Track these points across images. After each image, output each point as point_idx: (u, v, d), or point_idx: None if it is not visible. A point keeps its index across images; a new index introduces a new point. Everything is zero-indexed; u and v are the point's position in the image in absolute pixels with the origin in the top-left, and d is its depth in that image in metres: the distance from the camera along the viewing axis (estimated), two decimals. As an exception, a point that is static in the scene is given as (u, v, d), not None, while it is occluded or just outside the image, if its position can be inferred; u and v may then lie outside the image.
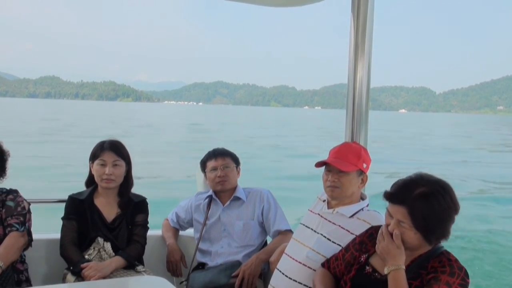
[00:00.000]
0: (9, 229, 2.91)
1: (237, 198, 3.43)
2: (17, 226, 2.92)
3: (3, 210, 2.97)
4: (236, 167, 3.49)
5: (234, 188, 3.47)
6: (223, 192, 3.44)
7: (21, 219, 2.96)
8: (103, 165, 3.15)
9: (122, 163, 3.19)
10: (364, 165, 2.72)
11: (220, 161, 3.42)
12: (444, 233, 2.12)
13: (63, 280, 3.07)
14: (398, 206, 2.11)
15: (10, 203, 2.99)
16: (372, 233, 2.39)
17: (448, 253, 2.16)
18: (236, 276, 3.14)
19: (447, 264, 2.09)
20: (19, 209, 2.98)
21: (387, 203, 2.19)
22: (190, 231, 3.65)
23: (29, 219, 3.03)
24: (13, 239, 2.88)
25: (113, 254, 3.11)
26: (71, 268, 3.03)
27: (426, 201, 2.06)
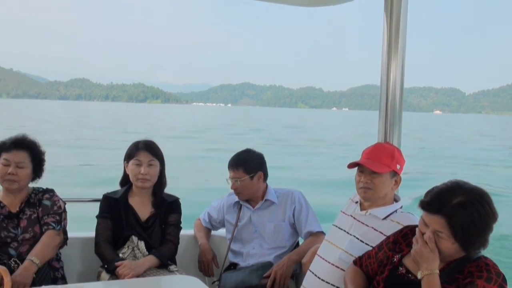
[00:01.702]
0: (45, 227, 2.97)
1: (268, 201, 3.41)
2: (53, 224, 2.98)
3: (40, 209, 3.03)
4: (252, 176, 3.33)
5: (264, 190, 3.43)
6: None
7: (57, 218, 3.02)
8: (139, 164, 3.19)
9: (156, 163, 3.23)
10: (398, 166, 2.68)
11: (232, 173, 3.34)
12: (482, 243, 2.06)
13: (98, 278, 3.12)
14: (435, 215, 2.05)
15: (47, 202, 3.05)
16: (406, 232, 2.35)
17: (486, 258, 2.11)
18: (268, 276, 3.14)
19: (484, 269, 2.04)
20: (55, 208, 3.04)
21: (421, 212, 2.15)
22: (222, 231, 3.66)
23: (65, 218, 3.08)
24: (50, 237, 2.93)
25: (147, 253, 3.14)
26: (106, 266, 3.08)
27: (465, 211, 2.00)
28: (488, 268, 2.04)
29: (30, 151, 3.03)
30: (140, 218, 3.23)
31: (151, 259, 3.08)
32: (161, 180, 3.29)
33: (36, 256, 2.80)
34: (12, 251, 2.91)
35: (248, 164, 3.34)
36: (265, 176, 3.41)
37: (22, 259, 2.82)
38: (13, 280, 2.52)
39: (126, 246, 3.17)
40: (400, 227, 2.51)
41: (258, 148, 3.49)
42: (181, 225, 3.35)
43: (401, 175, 2.71)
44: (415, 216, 2.57)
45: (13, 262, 2.83)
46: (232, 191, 3.60)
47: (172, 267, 3.15)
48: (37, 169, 3.08)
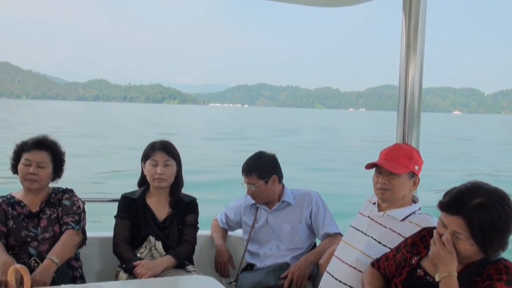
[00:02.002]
0: (65, 227, 3.00)
1: (285, 202, 3.39)
2: (72, 224, 3.01)
3: (60, 209, 3.06)
4: (267, 180, 3.30)
5: (281, 192, 3.42)
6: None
7: (77, 218, 3.05)
8: (155, 165, 3.20)
9: (173, 163, 3.24)
10: (416, 167, 2.66)
11: (246, 179, 3.32)
12: (502, 245, 2.04)
13: (116, 277, 3.15)
14: (454, 216, 2.03)
15: (66, 202, 3.08)
16: (424, 234, 2.33)
17: (505, 260, 2.08)
18: (285, 277, 3.13)
19: (504, 271, 2.02)
20: (74, 208, 3.08)
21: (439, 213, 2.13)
22: (239, 232, 3.66)
23: (84, 218, 3.11)
24: (69, 237, 2.96)
25: (164, 253, 3.16)
26: (124, 265, 3.10)
27: (484, 212, 1.98)
28: (508, 271, 2.02)
29: (51, 151, 3.07)
30: (157, 218, 3.24)
31: (169, 259, 3.10)
32: (178, 180, 3.30)
33: (55, 255, 2.83)
34: (32, 250, 2.94)
35: (262, 168, 3.31)
36: (280, 178, 3.38)
37: (42, 258, 2.86)
38: (33, 279, 2.54)
39: (143, 246, 3.19)
40: (418, 228, 2.49)
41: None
42: (198, 225, 3.36)
43: (419, 176, 2.69)
44: (434, 218, 2.55)
45: (33, 261, 2.87)
46: None
47: (189, 267, 3.16)
48: (57, 169, 3.11)
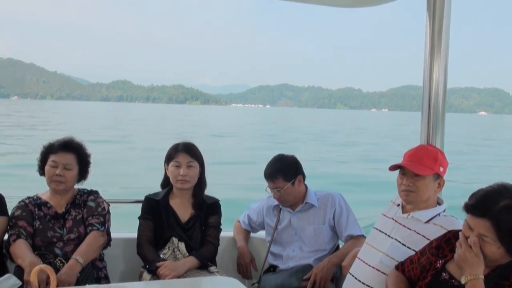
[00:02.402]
0: (90, 228, 3.04)
1: (308, 204, 3.38)
2: (97, 225, 3.05)
3: (85, 210, 3.11)
4: (293, 182, 3.28)
5: (304, 193, 3.40)
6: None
7: (101, 219, 3.09)
8: (178, 166, 3.22)
9: (196, 164, 3.26)
10: (441, 169, 2.63)
11: (271, 184, 3.29)
12: None
13: (140, 278, 3.17)
14: (481, 219, 2.00)
15: (91, 204, 3.12)
16: (449, 237, 2.29)
17: None
18: (308, 279, 3.13)
19: None
20: (99, 209, 3.12)
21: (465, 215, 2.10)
22: (261, 233, 3.66)
23: (109, 220, 3.15)
24: (94, 238, 3.00)
25: (187, 254, 3.18)
26: (147, 266, 3.12)
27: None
28: None
29: (77, 153, 3.12)
30: (180, 219, 3.26)
31: (192, 260, 3.11)
32: (201, 182, 3.31)
33: (80, 256, 2.87)
34: (57, 251, 2.99)
35: (286, 171, 3.27)
36: (304, 178, 3.37)
37: (67, 259, 2.90)
38: (58, 279, 2.58)
39: (166, 247, 3.21)
40: (443, 230, 2.46)
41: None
42: (221, 226, 3.37)
43: (444, 177, 2.66)
44: (459, 220, 2.52)
45: (59, 261, 2.91)
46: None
47: (212, 268, 3.17)
48: (83, 171, 3.16)
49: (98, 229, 3.04)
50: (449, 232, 2.35)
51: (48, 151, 3.10)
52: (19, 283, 2.35)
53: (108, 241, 3.12)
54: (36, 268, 2.33)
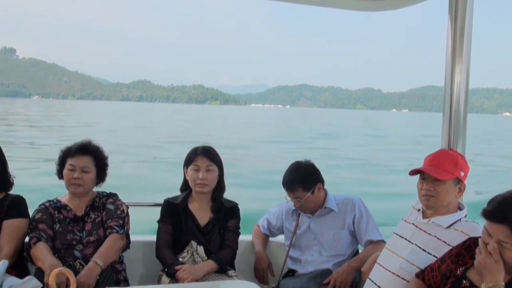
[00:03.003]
0: (109, 231, 3.06)
1: (327, 208, 3.36)
2: (117, 228, 3.07)
3: (104, 213, 3.13)
4: (313, 191, 3.25)
5: (324, 198, 3.37)
6: None
7: (121, 222, 3.11)
8: (197, 170, 3.23)
9: (214, 168, 3.26)
10: (462, 174, 2.59)
11: (291, 194, 3.27)
12: None
13: (158, 281, 3.18)
14: (499, 225, 1.97)
15: (111, 206, 3.15)
16: (470, 245, 2.26)
17: None
18: (327, 284, 3.11)
19: None
20: (118, 212, 3.14)
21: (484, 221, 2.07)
22: (280, 237, 3.64)
23: (128, 222, 3.17)
24: (113, 240, 3.02)
25: (206, 257, 3.18)
26: (166, 269, 3.14)
27: None
28: None
29: (94, 156, 3.14)
30: (199, 223, 3.27)
31: (210, 264, 3.11)
32: (220, 185, 3.32)
33: (100, 259, 2.88)
34: (77, 253, 3.01)
35: (305, 180, 3.25)
36: (323, 184, 3.34)
37: (86, 261, 2.92)
38: (78, 281, 2.60)
39: (185, 250, 3.22)
40: (464, 236, 2.44)
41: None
42: (240, 230, 3.36)
43: (465, 182, 2.62)
44: (480, 225, 2.48)
45: (78, 264, 2.94)
46: None
47: (231, 272, 3.17)
48: (101, 174, 3.18)
49: (117, 231, 3.06)
50: (469, 239, 2.32)
51: (66, 154, 3.12)
52: (40, 285, 2.37)
53: (127, 244, 3.13)
54: (55, 271, 2.36)
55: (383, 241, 3.18)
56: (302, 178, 3.24)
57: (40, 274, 2.75)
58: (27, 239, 3.02)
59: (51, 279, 2.34)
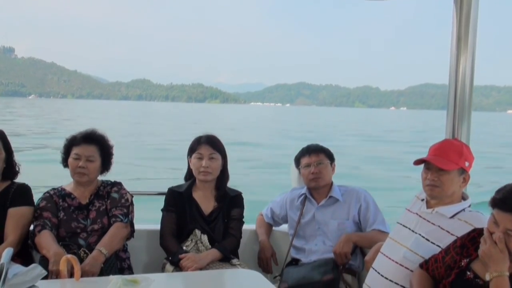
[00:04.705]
0: (113, 219, 3.07)
1: (332, 198, 3.39)
2: (121, 217, 3.07)
3: (108, 201, 3.13)
4: (331, 164, 3.42)
5: (329, 186, 3.42)
6: (317, 189, 3.41)
7: (125, 210, 3.12)
8: (200, 158, 3.23)
9: (218, 156, 3.26)
10: (467, 163, 2.59)
11: (314, 157, 3.37)
12: None
13: (162, 269, 3.19)
14: (508, 213, 1.97)
15: (115, 195, 3.15)
16: (474, 236, 2.26)
17: None
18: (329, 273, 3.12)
19: None
20: (123, 200, 3.14)
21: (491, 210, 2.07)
22: (284, 227, 3.65)
23: (132, 211, 3.17)
24: (117, 229, 3.03)
25: (210, 246, 3.18)
26: (170, 258, 3.15)
27: None
28: None
29: (99, 145, 3.15)
30: (203, 212, 3.27)
31: (214, 253, 3.12)
32: (223, 174, 3.32)
33: (104, 247, 2.89)
34: (81, 241, 3.02)
35: (328, 152, 3.45)
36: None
37: (90, 249, 2.92)
38: (82, 269, 2.60)
39: (189, 239, 3.22)
40: (468, 226, 2.44)
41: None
42: (244, 219, 3.37)
43: (469, 172, 2.62)
44: (484, 215, 2.49)
45: (82, 252, 2.93)
46: (294, 186, 3.59)
47: (235, 261, 3.17)
48: (106, 163, 3.19)
49: (121, 220, 3.06)
50: (474, 230, 2.31)
51: (71, 143, 3.13)
52: (45, 272, 2.37)
53: (131, 233, 3.14)
54: (63, 258, 2.37)
55: (388, 234, 3.19)
56: (327, 150, 3.47)
57: (44, 262, 2.75)
58: (32, 227, 3.03)
59: (62, 265, 2.36)
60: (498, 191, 2.06)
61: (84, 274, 2.63)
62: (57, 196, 3.11)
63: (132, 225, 3.15)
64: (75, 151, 3.09)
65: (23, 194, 3.06)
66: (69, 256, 2.49)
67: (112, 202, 3.13)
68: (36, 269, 2.50)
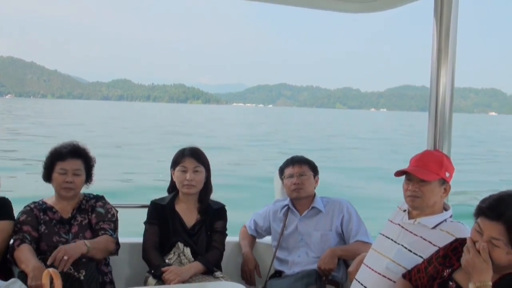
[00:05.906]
0: (102, 232, 3.03)
1: (315, 209, 3.39)
2: (110, 231, 3.05)
3: (93, 215, 3.09)
4: (314, 176, 3.42)
5: (312, 198, 3.42)
6: (299, 200, 3.41)
7: (112, 225, 3.09)
8: (184, 171, 3.21)
9: (202, 169, 3.25)
10: (447, 174, 2.62)
11: (297, 168, 3.37)
12: None
13: (145, 283, 3.16)
14: (494, 222, 1.98)
15: (101, 210, 3.12)
16: (456, 246, 2.27)
17: None
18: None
19: None
20: (109, 215, 3.12)
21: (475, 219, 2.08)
22: (267, 238, 3.64)
23: (117, 227, 3.15)
24: (106, 240, 2.99)
25: (193, 259, 3.16)
26: (152, 271, 3.11)
27: None
28: None
29: (84, 159, 3.12)
30: (186, 224, 3.25)
31: (197, 265, 3.10)
32: (206, 187, 3.31)
33: (89, 242, 2.86)
34: None
35: (312, 164, 3.46)
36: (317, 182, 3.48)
37: (71, 263, 2.87)
38: (60, 249, 2.66)
39: (172, 252, 3.19)
40: (450, 236, 2.45)
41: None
42: (227, 232, 3.35)
43: (450, 183, 2.65)
44: (465, 226, 2.51)
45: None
46: (278, 198, 3.59)
47: (218, 274, 3.16)
48: (88, 176, 3.16)
49: (111, 234, 3.04)
50: (456, 240, 2.33)
51: (56, 158, 3.08)
52: (25, 287, 2.35)
53: (116, 250, 3.10)
54: (45, 272, 2.34)
55: (371, 245, 3.21)
56: (312, 162, 3.48)
57: (23, 277, 2.70)
58: (11, 241, 2.97)
59: (44, 278, 2.33)
60: (483, 201, 2.07)
61: (61, 251, 2.68)
62: (37, 210, 3.06)
63: (117, 242, 3.11)
64: (60, 166, 3.04)
65: (2, 208, 3.00)
66: (51, 270, 2.45)
67: (98, 216, 3.09)
68: (15, 284, 2.47)
